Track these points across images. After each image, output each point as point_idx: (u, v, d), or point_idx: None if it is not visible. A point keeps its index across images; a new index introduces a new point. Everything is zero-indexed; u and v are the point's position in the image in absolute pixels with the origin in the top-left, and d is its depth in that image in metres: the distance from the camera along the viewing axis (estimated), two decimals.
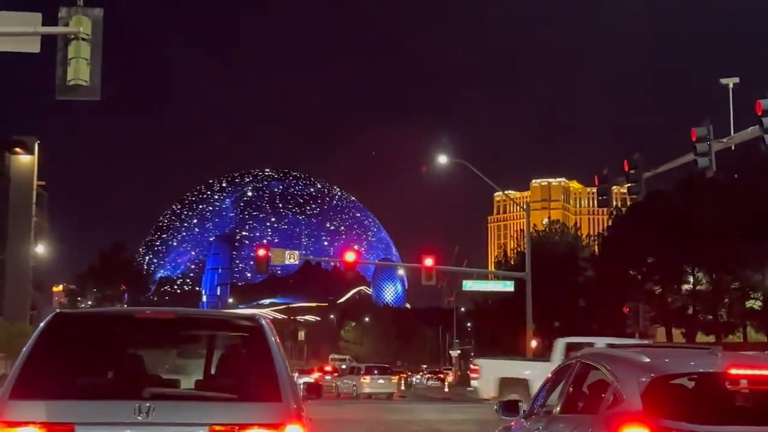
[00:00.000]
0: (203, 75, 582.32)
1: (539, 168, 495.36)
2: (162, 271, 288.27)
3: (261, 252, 44.23)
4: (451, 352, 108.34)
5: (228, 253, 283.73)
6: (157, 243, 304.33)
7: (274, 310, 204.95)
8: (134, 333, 7.33)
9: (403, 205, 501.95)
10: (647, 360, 6.30)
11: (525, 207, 54.58)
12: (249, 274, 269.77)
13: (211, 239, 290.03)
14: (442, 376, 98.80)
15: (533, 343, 46.03)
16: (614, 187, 31.26)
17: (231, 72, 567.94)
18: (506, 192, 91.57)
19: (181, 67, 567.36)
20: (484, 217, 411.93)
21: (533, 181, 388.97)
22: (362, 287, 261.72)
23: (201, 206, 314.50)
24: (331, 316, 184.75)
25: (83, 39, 15.68)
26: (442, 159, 46.83)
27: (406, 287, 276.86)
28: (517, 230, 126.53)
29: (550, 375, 8.42)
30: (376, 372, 55.75)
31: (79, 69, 15.69)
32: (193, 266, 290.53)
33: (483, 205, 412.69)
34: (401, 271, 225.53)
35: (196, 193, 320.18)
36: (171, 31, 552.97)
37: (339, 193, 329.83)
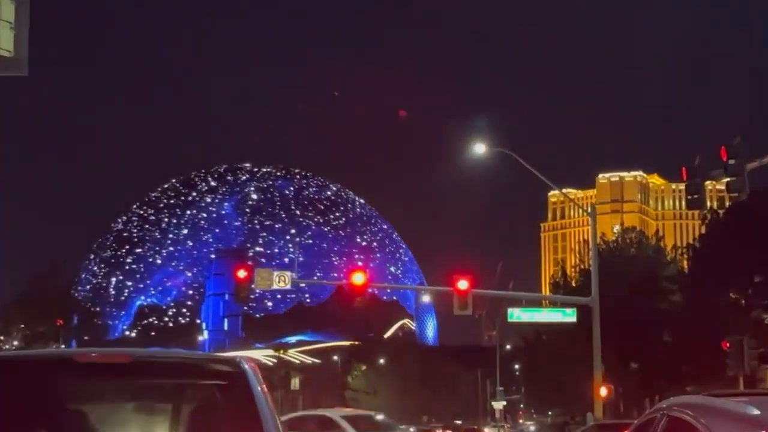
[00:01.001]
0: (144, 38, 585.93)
1: (608, 158, 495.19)
2: (143, 297, 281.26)
3: (241, 273, 44.37)
4: (493, 403, 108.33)
5: (233, 273, 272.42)
6: (128, 260, 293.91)
7: (302, 351, 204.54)
8: (75, 382, 7.33)
9: (425, 209, 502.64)
10: (757, 413, 6.26)
11: (590, 210, 54.28)
12: (270, 303, 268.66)
13: (212, 256, 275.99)
14: None
15: (603, 391, 45.88)
16: (708, 182, 31.16)
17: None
18: (564, 191, 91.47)
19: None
20: (535, 225, 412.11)
21: (600, 175, 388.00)
22: (405, 320, 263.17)
23: (189, 212, 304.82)
24: (335, 358, 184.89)
25: None
26: (480, 148, 46.72)
27: (435, 319, 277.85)
28: (579, 241, 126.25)
29: None
30: None
31: (0, 36, 15.73)
32: (191, 292, 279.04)
33: (533, 209, 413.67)
34: (426, 298, 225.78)
35: (172, 194, 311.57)
36: None
37: (356, 198, 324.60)
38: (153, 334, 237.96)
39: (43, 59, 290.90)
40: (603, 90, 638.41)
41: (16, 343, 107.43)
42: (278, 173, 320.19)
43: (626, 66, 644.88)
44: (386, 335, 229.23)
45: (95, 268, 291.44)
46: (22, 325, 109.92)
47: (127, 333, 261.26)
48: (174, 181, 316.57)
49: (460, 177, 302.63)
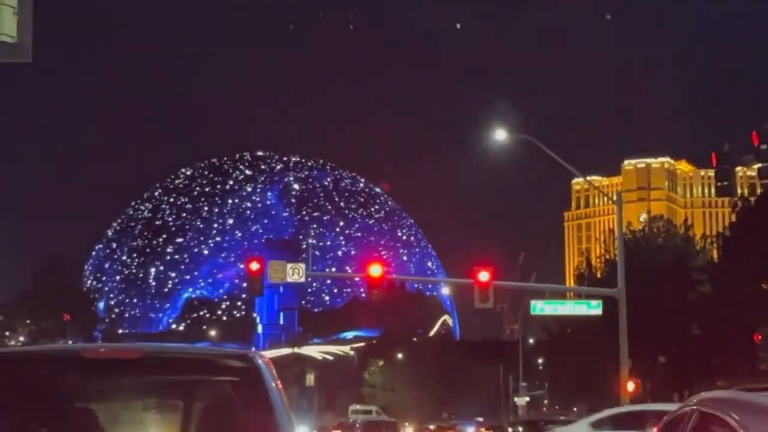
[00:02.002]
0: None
1: (634, 144, 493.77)
2: (190, 289, 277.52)
3: (254, 266, 44.34)
4: (516, 399, 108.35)
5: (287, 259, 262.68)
6: (168, 249, 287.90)
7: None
8: (83, 379, 7.34)
9: (444, 199, 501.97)
10: None
11: (615, 198, 54.04)
12: (327, 297, 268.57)
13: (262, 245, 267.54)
14: None
15: (630, 387, 45.82)
16: (739, 168, 31.04)
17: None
18: (589, 178, 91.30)
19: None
20: (558, 214, 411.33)
21: (626, 162, 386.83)
22: (445, 316, 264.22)
23: (231, 200, 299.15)
24: (351, 353, 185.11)
25: None
26: (501, 135, 46.65)
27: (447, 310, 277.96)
28: (604, 230, 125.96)
29: (656, 430, 8.38)
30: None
31: (3, 21, 15.75)
32: (245, 284, 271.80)
33: (556, 198, 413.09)
34: (446, 291, 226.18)
35: (204, 182, 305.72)
36: None
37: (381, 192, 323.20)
38: (204, 327, 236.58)
39: (43, 43, 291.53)
40: (628, 73, 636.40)
41: (22, 338, 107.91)
42: (309, 163, 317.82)
43: (653, 49, 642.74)
44: (433, 332, 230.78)
45: (125, 257, 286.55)
46: (28, 321, 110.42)
47: (174, 326, 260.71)
48: (201, 167, 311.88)
49: (481, 165, 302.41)
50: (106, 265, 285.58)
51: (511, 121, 56.58)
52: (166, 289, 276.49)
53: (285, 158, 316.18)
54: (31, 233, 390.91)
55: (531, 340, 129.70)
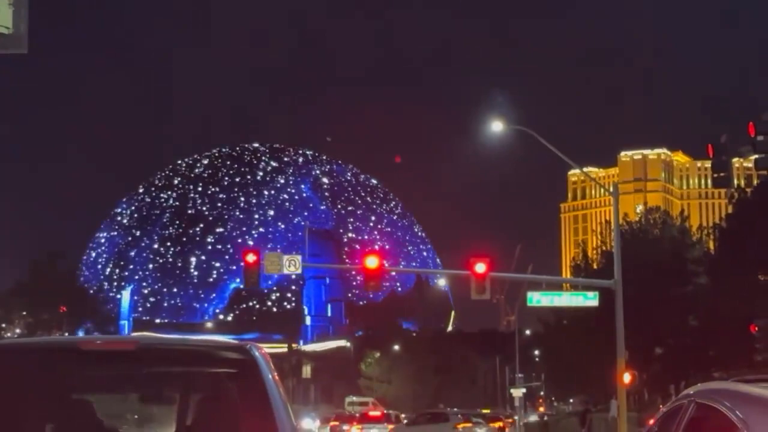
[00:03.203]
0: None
1: (630, 135, 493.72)
2: (237, 280, 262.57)
3: (250, 257, 44.30)
4: (512, 391, 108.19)
5: (332, 256, 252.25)
6: (208, 239, 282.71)
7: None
8: (80, 371, 7.34)
9: (439, 190, 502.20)
10: None
11: (612, 189, 54.02)
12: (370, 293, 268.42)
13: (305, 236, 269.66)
14: (501, 424, 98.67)
15: (626, 378, 45.85)
16: (736, 159, 31.04)
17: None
18: (585, 169, 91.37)
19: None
20: (554, 205, 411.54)
21: (622, 153, 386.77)
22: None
23: (267, 192, 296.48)
24: (347, 345, 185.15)
25: None
26: (497, 126, 46.62)
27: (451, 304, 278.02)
28: (601, 222, 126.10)
29: (652, 422, 8.37)
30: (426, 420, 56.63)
31: None
32: (294, 276, 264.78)
33: (553, 189, 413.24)
34: (442, 282, 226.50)
35: (231, 172, 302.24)
36: None
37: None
38: (253, 318, 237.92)
39: (49, 29, 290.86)
40: (624, 64, 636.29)
41: (18, 330, 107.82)
42: (324, 157, 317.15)
43: (649, 40, 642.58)
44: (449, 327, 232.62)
45: (156, 246, 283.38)
46: (24, 313, 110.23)
47: (221, 317, 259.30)
48: (216, 156, 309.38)
49: (477, 157, 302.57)
50: (132, 253, 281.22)
51: (508, 112, 56.57)
52: (211, 279, 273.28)
53: (300, 151, 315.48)
54: (26, 224, 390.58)
55: (527, 332, 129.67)
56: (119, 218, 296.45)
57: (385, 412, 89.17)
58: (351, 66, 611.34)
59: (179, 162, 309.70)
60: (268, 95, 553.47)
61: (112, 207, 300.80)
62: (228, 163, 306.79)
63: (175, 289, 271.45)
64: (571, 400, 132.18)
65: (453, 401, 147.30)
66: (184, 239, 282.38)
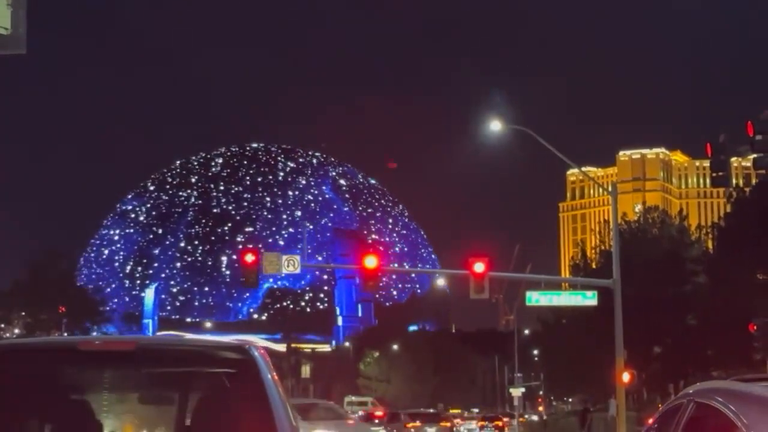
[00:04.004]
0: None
1: (629, 135, 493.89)
2: (271, 280, 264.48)
3: (249, 258, 44.27)
4: (511, 390, 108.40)
5: (359, 256, 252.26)
6: (238, 239, 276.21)
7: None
8: (78, 371, 7.33)
9: (438, 190, 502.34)
10: None
11: (610, 189, 54.02)
12: (394, 292, 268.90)
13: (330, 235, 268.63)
14: (500, 423, 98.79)
15: (625, 377, 45.85)
16: (734, 159, 31.04)
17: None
18: (584, 169, 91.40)
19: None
20: (553, 205, 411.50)
21: (621, 152, 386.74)
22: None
23: (292, 192, 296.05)
24: (346, 344, 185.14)
25: None
26: (496, 126, 46.60)
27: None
28: (599, 221, 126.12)
29: (651, 421, 8.37)
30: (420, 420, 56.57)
31: None
32: (325, 276, 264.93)
33: (552, 189, 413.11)
34: (441, 281, 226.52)
35: (251, 172, 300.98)
36: None
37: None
38: (281, 318, 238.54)
39: (47, 27, 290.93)
40: (622, 63, 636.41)
41: (17, 331, 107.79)
42: (332, 159, 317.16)
43: (648, 40, 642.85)
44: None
45: (182, 244, 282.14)
46: (23, 313, 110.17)
47: (255, 316, 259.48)
48: (229, 155, 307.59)
49: (476, 157, 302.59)
50: (155, 251, 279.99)
51: (506, 111, 56.58)
52: (243, 279, 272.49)
53: (310, 152, 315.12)
54: (25, 223, 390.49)
55: (526, 331, 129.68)
56: (132, 215, 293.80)
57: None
58: (350, 65, 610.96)
59: (192, 159, 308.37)
60: (265, 95, 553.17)
61: (112, 205, 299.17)
62: (245, 162, 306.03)
63: (206, 288, 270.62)
64: (570, 400, 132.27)
65: (452, 401, 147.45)
66: (213, 238, 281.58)
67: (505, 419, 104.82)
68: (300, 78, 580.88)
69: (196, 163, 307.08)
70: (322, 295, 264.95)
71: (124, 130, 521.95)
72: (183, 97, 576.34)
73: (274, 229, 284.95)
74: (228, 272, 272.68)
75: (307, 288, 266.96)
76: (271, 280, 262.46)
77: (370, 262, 45.71)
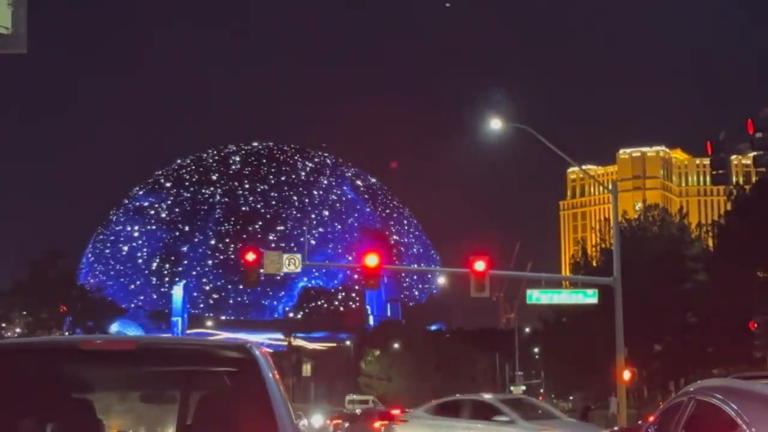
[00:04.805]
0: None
1: (629, 133, 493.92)
2: (305, 279, 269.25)
3: (250, 256, 44.28)
4: (512, 388, 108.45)
5: (386, 257, 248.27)
6: (269, 237, 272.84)
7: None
8: (80, 371, 7.33)
9: (438, 188, 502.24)
10: None
11: (611, 187, 54.07)
12: (416, 292, 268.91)
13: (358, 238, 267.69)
14: None
15: (626, 375, 45.89)
16: (734, 156, 31.03)
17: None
18: (584, 167, 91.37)
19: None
20: (553, 203, 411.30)
21: (621, 151, 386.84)
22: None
23: (316, 192, 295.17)
24: (347, 343, 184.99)
25: None
26: (496, 124, 46.62)
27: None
28: (600, 219, 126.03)
29: (652, 419, 8.37)
30: None
31: None
32: (356, 276, 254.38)
33: (552, 187, 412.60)
34: (441, 280, 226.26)
35: (272, 170, 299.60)
36: None
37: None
38: (314, 316, 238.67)
39: (47, 25, 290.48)
40: (623, 62, 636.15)
41: (18, 330, 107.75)
42: (341, 159, 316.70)
43: (648, 38, 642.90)
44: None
45: (212, 242, 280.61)
46: (24, 312, 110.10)
47: (291, 315, 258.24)
48: (245, 153, 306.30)
49: (476, 155, 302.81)
50: (184, 249, 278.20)
51: (506, 110, 56.59)
52: (278, 277, 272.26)
53: (320, 152, 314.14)
54: (25, 222, 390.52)
55: (527, 329, 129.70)
56: (152, 212, 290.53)
57: None
58: (347, 66, 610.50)
59: (204, 156, 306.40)
60: (265, 95, 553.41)
61: (117, 201, 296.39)
62: (264, 161, 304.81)
63: (240, 286, 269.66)
64: (571, 397, 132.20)
65: None
66: (244, 236, 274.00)
67: None
68: (300, 78, 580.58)
69: (211, 160, 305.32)
70: (353, 294, 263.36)
71: (122, 128, 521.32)
72: (183, 97, 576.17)
73: (304, 228, 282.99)
74: (262, 270, 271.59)
75: (340, 288, 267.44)
76: (305, 278, 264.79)
77: (371, 260, 45.79)
